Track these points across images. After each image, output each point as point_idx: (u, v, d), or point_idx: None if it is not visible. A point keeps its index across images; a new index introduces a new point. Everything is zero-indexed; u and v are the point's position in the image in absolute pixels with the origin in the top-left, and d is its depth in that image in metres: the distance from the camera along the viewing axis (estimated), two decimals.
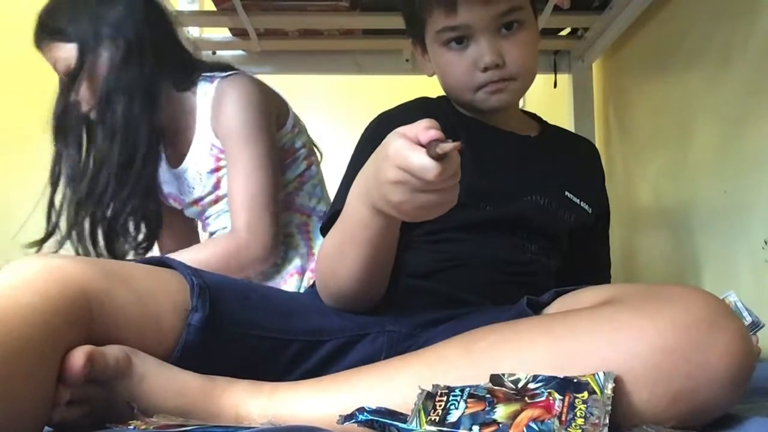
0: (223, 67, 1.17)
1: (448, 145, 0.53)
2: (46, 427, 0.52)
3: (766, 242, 0.97)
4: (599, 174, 0.99)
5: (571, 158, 0.95)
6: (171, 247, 1.18)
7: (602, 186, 0.98)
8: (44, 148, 1.09)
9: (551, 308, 0.65)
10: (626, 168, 1.53)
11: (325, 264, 0.73)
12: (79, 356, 0.51)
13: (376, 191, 0.61)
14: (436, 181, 0.54)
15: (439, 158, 0.54)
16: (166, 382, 0.57)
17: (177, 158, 1.16)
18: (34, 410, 0.49)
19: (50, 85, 1.09)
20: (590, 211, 0.90)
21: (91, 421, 0.54)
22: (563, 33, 1.64)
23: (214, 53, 1.65)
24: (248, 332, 0.67)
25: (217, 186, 1.13)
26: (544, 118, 1.00)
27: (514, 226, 0.83)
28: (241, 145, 1.06)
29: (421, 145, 0.55)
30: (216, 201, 1.15)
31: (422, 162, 0.54)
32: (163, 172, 1.17)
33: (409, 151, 0.55)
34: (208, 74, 1.13)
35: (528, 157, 0.89)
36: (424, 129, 0.55)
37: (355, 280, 0.70)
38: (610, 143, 1.63)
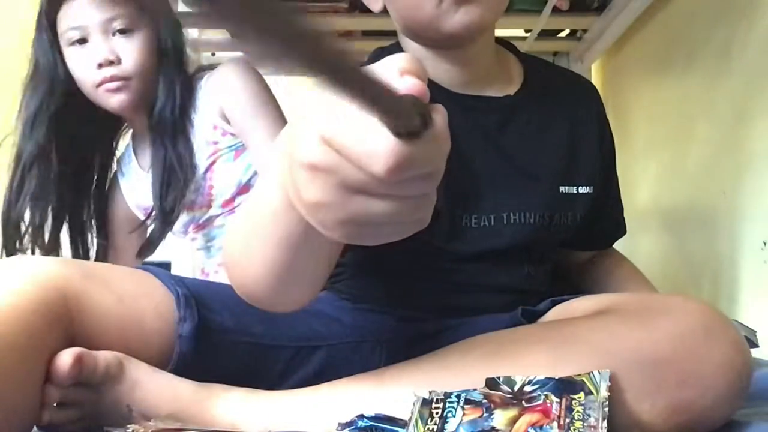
0: (204, 69, 1.15)
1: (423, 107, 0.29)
2: (35, 429, 0.52)
3: (765, 243, 0.97)
4: (597, 125, 0.79)
5: (562, 120, 0.76)
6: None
7: (600, 140, 0.79)
8: None
9: (547, 317, 0.64)
10: (625, 169, 1.53)
11: (230, 248, 0.54)
12: (67, 357, 0.52)
13: (288, 174, 0.37)
14: (391, 180, 0.31)
15: (408, 134, 0.29)
16: (159, 389, 0.57)
17: None
18: (19, 411, 0.49)
19: None
20: (592, 191, 0.75)
21: (83, 425, 0.54)
22: (562, 34, 1.64)
23: (213, 54, 1.65)
24: (239, 339, 0.66)
25: (210, 186, 1.10)
26: None
27: (501, 255, 0.70)
28: (258, 111, 1.05)
29: None
30: (209, 204, 1.11)
31: (373, 139, 0.30)
32: (140, 180, 1.12)
33: (354, 113, 0.30)
34: (200, 79, 1.11)
35: (509, 138, 0.72)
36: (396, 72, 0.31)
37: (263, 284, 0.51)
38: None
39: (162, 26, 1.04)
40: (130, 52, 1.01)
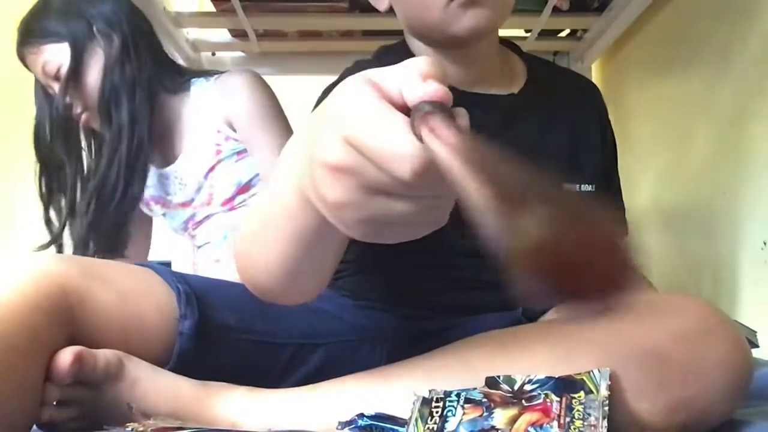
0: (211, 72, 1.16)
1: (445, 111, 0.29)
2: (35, 427, 0.52)
3: (765, 243, 0.96)
4: (599, 124, 0.80)
5: (565, 119, 0.76)
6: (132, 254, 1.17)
7: (602, 140, 0.79)
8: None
9: (548, 316, 0.64)
10: (625, 169, 1.52)
11: (241, 241, 0.55)
12: (66, 355, 0.52)
13: (307, 174, 0.38)
14: (415, 183, 0.32)
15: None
16: (159, 388, 0.57)
17: (165, 159, 1.15)
18: (20, 409, 0.49)
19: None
20: (593, 188, 0.75)
21: (83, 424, 0.54)
22: (562, 34, 1.64)
23: (213, 54, 1.65)
24: (240, 337, 0.66)
25: (211, 185, 1.12)
26: None
27: None
28: (266, 123, 1.06)
29: (403, 110, 0.32)
30: (209, 202, 1.13)
31: (397, 142, 0.31)
32: (150, 175, 1.15)
33: (378, 117, 0.32)
34: (199, 77, 1.13)
35: (511, 136, 0.68)
36: (418, 76, 0.33)
37: (273, 276, 0.51)
38: None
39: (76, 48, 1.05)
40: (74, 88, 1.05)
